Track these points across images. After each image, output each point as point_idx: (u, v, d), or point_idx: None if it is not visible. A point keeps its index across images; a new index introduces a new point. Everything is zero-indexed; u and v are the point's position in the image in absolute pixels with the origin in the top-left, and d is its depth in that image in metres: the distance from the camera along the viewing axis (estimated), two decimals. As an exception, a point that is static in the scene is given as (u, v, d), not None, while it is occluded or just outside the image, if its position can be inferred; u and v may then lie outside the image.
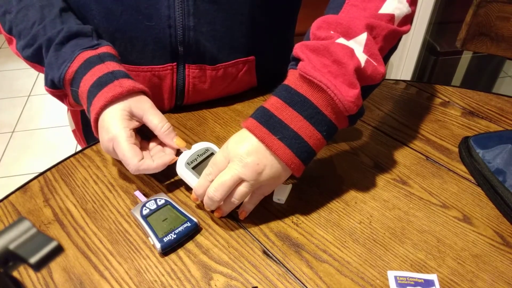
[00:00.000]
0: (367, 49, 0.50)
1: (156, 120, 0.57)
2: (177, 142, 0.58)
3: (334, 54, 0.49)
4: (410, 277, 0.48)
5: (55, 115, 2.12)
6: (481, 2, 1.02)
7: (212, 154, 0.59)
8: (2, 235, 0.24)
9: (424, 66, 1.96)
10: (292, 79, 0.51)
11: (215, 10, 0.65)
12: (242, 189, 0.50)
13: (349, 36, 0.50)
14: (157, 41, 0.65)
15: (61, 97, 0.64)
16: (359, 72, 0.50)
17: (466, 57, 1.92)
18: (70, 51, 0.58)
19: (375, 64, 0.51)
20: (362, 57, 0.50)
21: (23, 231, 0.25)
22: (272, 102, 0.51)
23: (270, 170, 0.50)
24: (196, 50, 0.67)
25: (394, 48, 0.57)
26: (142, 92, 0.58)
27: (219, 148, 0.60)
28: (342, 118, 0.51)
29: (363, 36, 0.50)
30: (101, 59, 0.58)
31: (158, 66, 0.68)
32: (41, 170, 0.62)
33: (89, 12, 0.65)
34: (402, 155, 0.65)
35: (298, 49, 0.52)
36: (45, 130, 2.06)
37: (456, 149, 0.67)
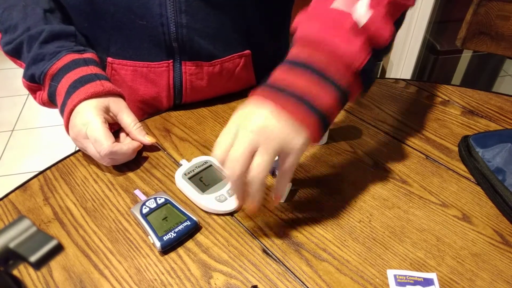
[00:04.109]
0: (369, 10, 0.47)
1: (129, 119, 0.62)
2: (148, 138, 0.63)
3: (331, 13, 0.47)
4: (409, 276, 0.48)
5: (55, 114, 2.11)
6: (481, 1, 1.02)
7: (210, 166, 0.60)
8: (2, 234, 0.24)
9: (424, 65, 1.96)
10: (290, 53, 0.49)
11: (207, 6, 0.65)
12: (257, 160, 0.44)
13: (351, 2, 0.47)
14: (151, 39, 0.65)
15: (35, 91, 0.66)
16: (361, 29, 0.46)
17: (466, 56, 1.92)
18: (56, 50, 0.62)
19: (380, 24, 0.48)
20: (364, 15, 0.47)
21: (23, 229, 0.25)
22: (274, 75, 0.48)
23: (281, 131, 0.44)
24: (190, 47, 0.67)
25: (398, 23, 0.53)
26: (120, 96, 0.64)
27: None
28: (351, 75, 0.47)
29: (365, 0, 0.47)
30: (86, 63, 0.62)
31: (154, 63, 0.68)
32: (41, 169, 0.62)
33: (82, 13, 0.65)
34: (402, 154, 0.65)
35: (295, 20, 0.50)
36: (45, 129, 2.06)
37: (456, 148, 0.67)
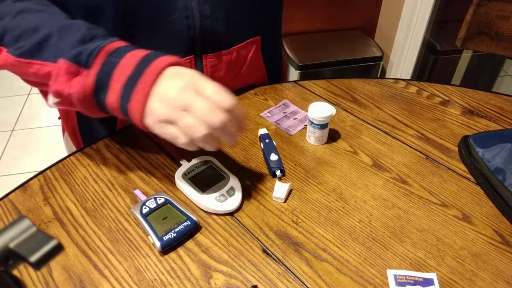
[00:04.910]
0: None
1: None
2: None
3: None
4: (409, 276, 0.48)
5: (55, 114, 2.12)
6: (481, 1, 1.02)
7: (210, 166, 0.60)
8: (2, 234, 0.24)
9: (424, 65, 1.96)
10: None
11: None
12: None
13: None
14: (175, 35, 0.66)
15: (73, 77, 0.52)
16: None
17: (466, 56, 1.92)
18: (105, 34, 0.55)
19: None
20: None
21: (23, 229, 0.25)
22: None
23: None
24: (212, 38, 0.69)
25: None
26: None
27: (220, 162, 0.60)
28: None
29: None
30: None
31: None
32: (41, 169, 0.62)
33: (103, 14, 0.62)
34: (402, 154, 0.65)
35: None
36: (45, 129, 2.05)
37: (456, 148, 0.67)
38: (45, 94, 0.59)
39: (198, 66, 0.71)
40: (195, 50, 0.69)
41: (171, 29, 0.65)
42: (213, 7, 0.66)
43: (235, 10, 0.69)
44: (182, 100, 0.47)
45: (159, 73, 0.48)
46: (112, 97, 0.50)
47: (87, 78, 0.51)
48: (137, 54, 0.51)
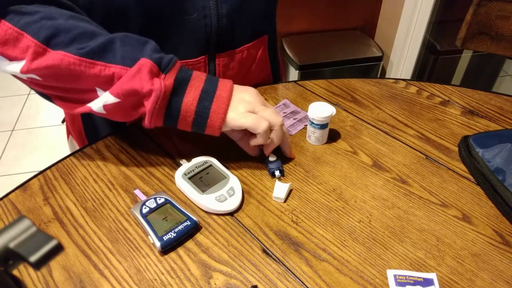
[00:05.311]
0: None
1: None
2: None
3: None
4: (409, 276, 0.48)
5: (55, 114, 2.12)
6: (481, 1, 1.02)
7: (210, 166, 0.60)
8: (2, 234, 0.24)
9: (424, 65, 1.96)
10: None
11: None
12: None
13: None
14: (192, 34, 0.67)
15: (155, 76, 0.54)
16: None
17: (466, 56, 1.92)
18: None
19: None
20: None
21: (23, 229, 0.25)
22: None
23: None
24: (227, 37, 0.69)
25: None
26: None
27: (220, 162, 0.61)
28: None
29: None
30: None
31: (192, 60, 0.69)
32: (41, 169, 0.62)
33: (125, 19, 0.62)
34: (402, 154, 0.66)
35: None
36: (45, 129, 2.05)
37: (456, 148, 0.67)
38: (70, 100, 0.59)
39: (211, 65, 0.71)
40: (209, 50, 0.70)
41: (188, 29, 0.66)
42: (229, 6, 0.67)
43: (248, 10, 0.70)
44: (259, 101, 0.59)
45: (232, 88, 0.58)
46: (190, 99, 0.55)
47: (167, 80, 0.54)
48: (201, 73, 0.58)
